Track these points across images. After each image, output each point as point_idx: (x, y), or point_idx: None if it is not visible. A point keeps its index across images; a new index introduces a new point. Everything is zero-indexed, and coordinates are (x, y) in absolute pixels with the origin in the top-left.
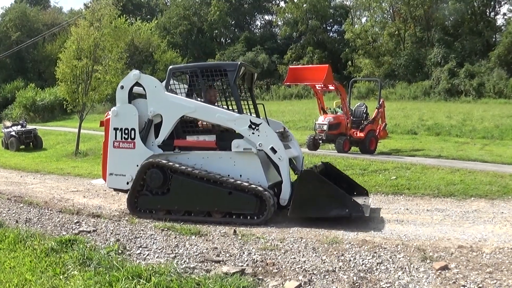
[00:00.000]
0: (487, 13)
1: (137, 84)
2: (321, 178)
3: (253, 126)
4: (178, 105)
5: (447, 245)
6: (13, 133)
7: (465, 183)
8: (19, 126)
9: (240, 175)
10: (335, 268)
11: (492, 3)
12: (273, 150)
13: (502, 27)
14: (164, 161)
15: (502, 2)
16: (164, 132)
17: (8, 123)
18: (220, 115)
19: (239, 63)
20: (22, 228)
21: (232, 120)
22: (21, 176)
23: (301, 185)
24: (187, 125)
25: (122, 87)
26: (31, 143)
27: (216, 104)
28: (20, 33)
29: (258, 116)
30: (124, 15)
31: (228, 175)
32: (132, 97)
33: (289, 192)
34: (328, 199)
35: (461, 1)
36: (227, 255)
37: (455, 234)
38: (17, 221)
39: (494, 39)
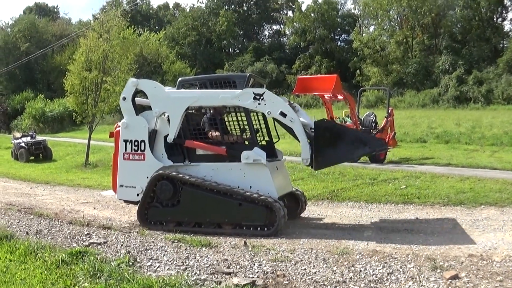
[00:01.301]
0: (495, 19)
1: (138, 92)
2: (336, 123)
3: (258, 97)
4: (180, 99)
5: (457, 254)
6: (23, 144)
7: (474, 191)
8: (29, 137)
9: (250, 187)
10: (346, 279)
11: (500, 9)
12: (283, 114)
13: (510, 33)
14: (174, 173)
15: (510, 8)
16: (173, 129)
17: (17, 134)
18: (223, 95)
19: (248, 74)
20: (32, 239)
21: (236, 97)
22: (31, 188)
23: (318, 135)
24: (197, 137)
25: (124, 98)
26: (40, 154)
27: (224, 116)
28: (29, 44)
29: (267, 128)
30: (133, 26)
31: (238, 187)
32: (138, 108)
33: (309, 150)
34: (348, 142)
35: (469, 7)
36: (238, 266)
37: (465, 242)
38: (27, 233)
39: (502, 45)
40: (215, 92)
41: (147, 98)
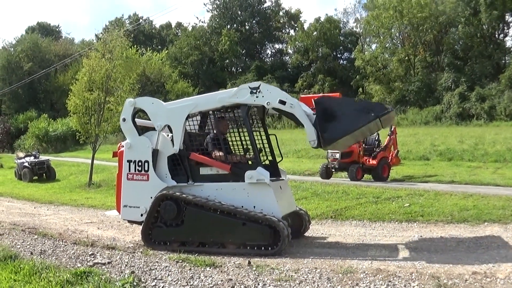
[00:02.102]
0: (496, 36)
1: (137, 111)
2: (333, 97)
3: (254, 90)
4: (180, 108)
5: (461, 271)
6: (26, 164)
7: (478, 208)
8: (32, 157)
9: (254, 206)
10: None
11: (501, 25)
12: (282, 102)
13: None
14: (178, 193)
15: (511, 24)
16: (178, 139)
17: (21, 154)
18: (220, 96)
19: None
20: (37, 260)
21: (233, 95)
22: (34, 207)
23: (320, 112)
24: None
25: (124, 120)
26: (44, 174)
27: (227, 135)
28: (32, 63)
29: (271, 147)
30: (136, 46)
31: (242, 206)
32: (140, 128)
33: (314, 132)
34: (350, 112)
35: (470, 24)
36: (242, 286)
37: (469, 260)
38: (32, 253)
39: (504, 61)
40: (212, 95)
41: (146, 115)
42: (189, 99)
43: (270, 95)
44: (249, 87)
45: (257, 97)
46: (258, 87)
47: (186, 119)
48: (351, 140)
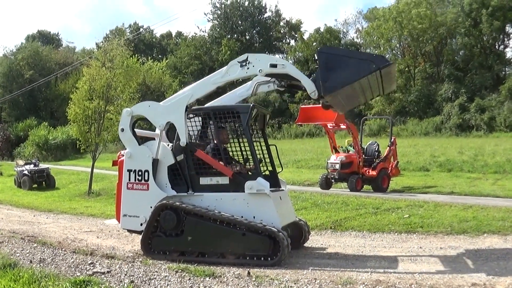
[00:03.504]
0: (496, 47)
1: (137, 120)
2: (336, 47)
3: (243, 63)
4: (177, 102)
5: (461, 283)
6: (26, 172)
7: (477, 219)
8: (32, 165)
9: (254, 217)
10: None
11: (501, 36)
12: (273, 65)
13: None
14: (177, 203)
15: (511, 35)
16: (182, 133)
17: (21, 162)
18: (213, 78)
19: (251, 105)
20: (36, 268)
21: (226, 74)
22: (34, 216)
23: (322, 61)
24: (200, 167)
25: (122, 130)
26: (43, 182)
27: (228, 145)
28: (33, 71)
29: (271, 157)
30: (136, 55)
31: (242, 217)
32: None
33: (312, 83)
34: (352, 63)
35: (470, 35)
36: None
37: (468, 271)
38: (31, 261)
39: (504, 73)
40: (204, 80)
41: (147, 120)
42: (184, 90)
43: (260, 62)
44: (238, 61)
45: (248, 68)
46: (246, 59)
47: (186, 111)
48: (351, 97)
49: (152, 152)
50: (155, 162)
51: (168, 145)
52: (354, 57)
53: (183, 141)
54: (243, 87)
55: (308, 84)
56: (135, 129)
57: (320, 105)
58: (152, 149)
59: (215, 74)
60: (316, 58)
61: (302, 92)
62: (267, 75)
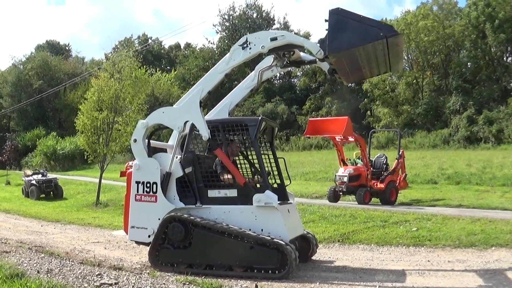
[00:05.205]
0: (504, 59)
1: (152, 131)
2: (346, 11)
3: (245, 45)
4: (189, 101)
5: None
6: (33, 181)
7: (485, 232)
8: (40, 175)
9: (262, 230)
10: None
11: (509, 48)
12: (273, 38)
13: None
14: (185, 215)
15: None
16: (202, 127)
17: (29, 172)
18: (219, 68)
19: (260, 118)
20: (43, 278)
21: (230, 60)
22: (41, 225)
23: (333, 21)
24: (208, 180)
25: (135, 140)
26: (51, 192)
27: (237, 158)
28: (42, 81)
29: (279, 170)
30: (145, 66)
31: (250, 229)
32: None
33: (315, 44)
34: (360, 27)
35: (478, 47)
36: None
37: (476, 285)
38: (38, 272)
39: None
40: (211, 72)
41: (166, 127)
42: (193, 87)
43: (260, 40)
44: (239, 45)
45: (250, 48)
46: (246, 40)
47: (200, 105)
48: (357, 66)
49: (161, 164)
50: (168, 175)
51: (177, 157)
52: (363, 22)
53: (205, 135)
54: (248, 78)
55: (312, 46)
56: (150, 140)
57: (326, 71)
58: (162, 161)
59: (220, 63)
60: (327, 18)
61: (310, 104)
62: (270, 51)
